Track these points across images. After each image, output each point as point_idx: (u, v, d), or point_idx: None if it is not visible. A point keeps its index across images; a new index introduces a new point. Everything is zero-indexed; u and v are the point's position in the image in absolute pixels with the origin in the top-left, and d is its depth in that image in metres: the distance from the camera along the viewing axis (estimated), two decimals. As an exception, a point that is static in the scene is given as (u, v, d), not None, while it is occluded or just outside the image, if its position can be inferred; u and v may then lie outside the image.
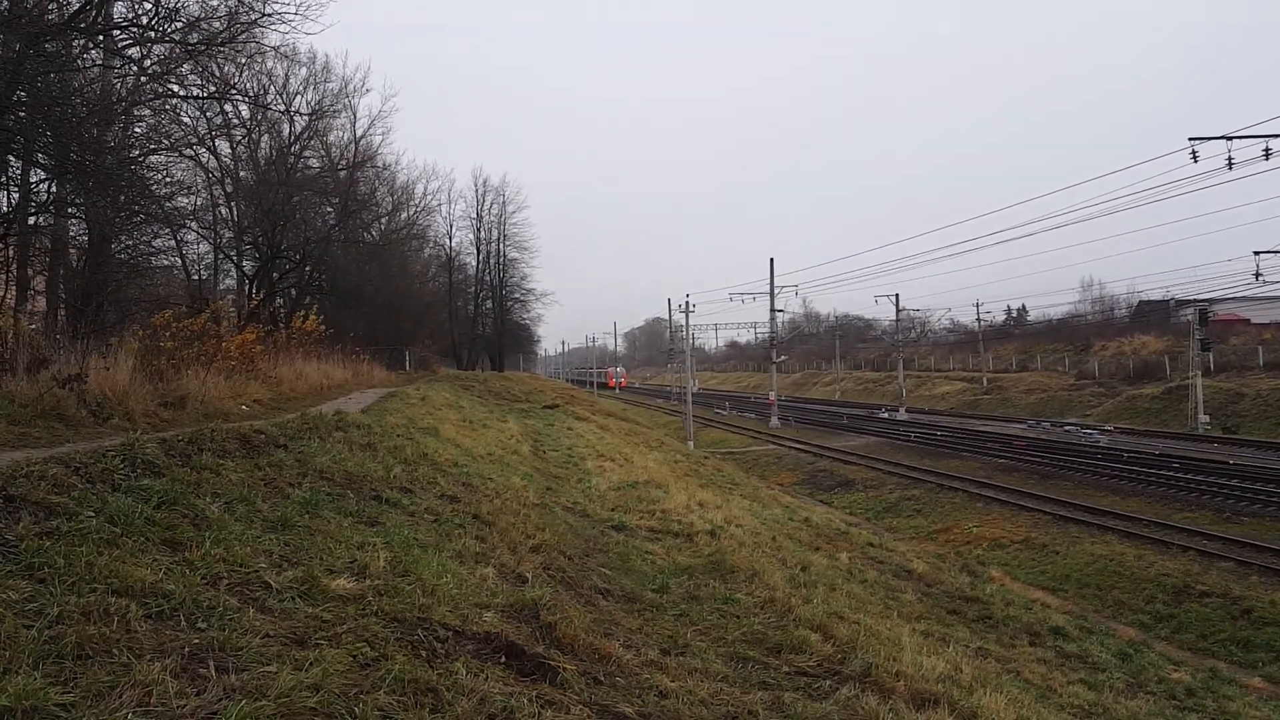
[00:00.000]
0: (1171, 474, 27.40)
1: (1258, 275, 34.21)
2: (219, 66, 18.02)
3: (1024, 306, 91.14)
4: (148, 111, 16.38)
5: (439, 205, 60.77)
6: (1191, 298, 46.59)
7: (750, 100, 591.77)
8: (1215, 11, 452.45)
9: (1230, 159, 24.60)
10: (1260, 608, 16.17)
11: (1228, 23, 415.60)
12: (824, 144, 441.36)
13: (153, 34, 14.12)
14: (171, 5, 13.61)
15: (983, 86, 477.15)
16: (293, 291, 33.92)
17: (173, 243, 24.00)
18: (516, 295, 65.66)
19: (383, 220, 46.73)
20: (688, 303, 52.28)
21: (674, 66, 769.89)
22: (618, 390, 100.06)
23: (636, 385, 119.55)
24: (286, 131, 33.15)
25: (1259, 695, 12.64)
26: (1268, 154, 24.24)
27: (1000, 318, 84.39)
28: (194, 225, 24.78)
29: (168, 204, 17.29)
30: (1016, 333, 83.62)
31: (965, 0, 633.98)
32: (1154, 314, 65.48)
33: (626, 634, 5.92)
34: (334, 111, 36.30)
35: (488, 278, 64.37)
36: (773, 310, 57.01)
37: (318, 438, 9.23)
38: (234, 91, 20.43)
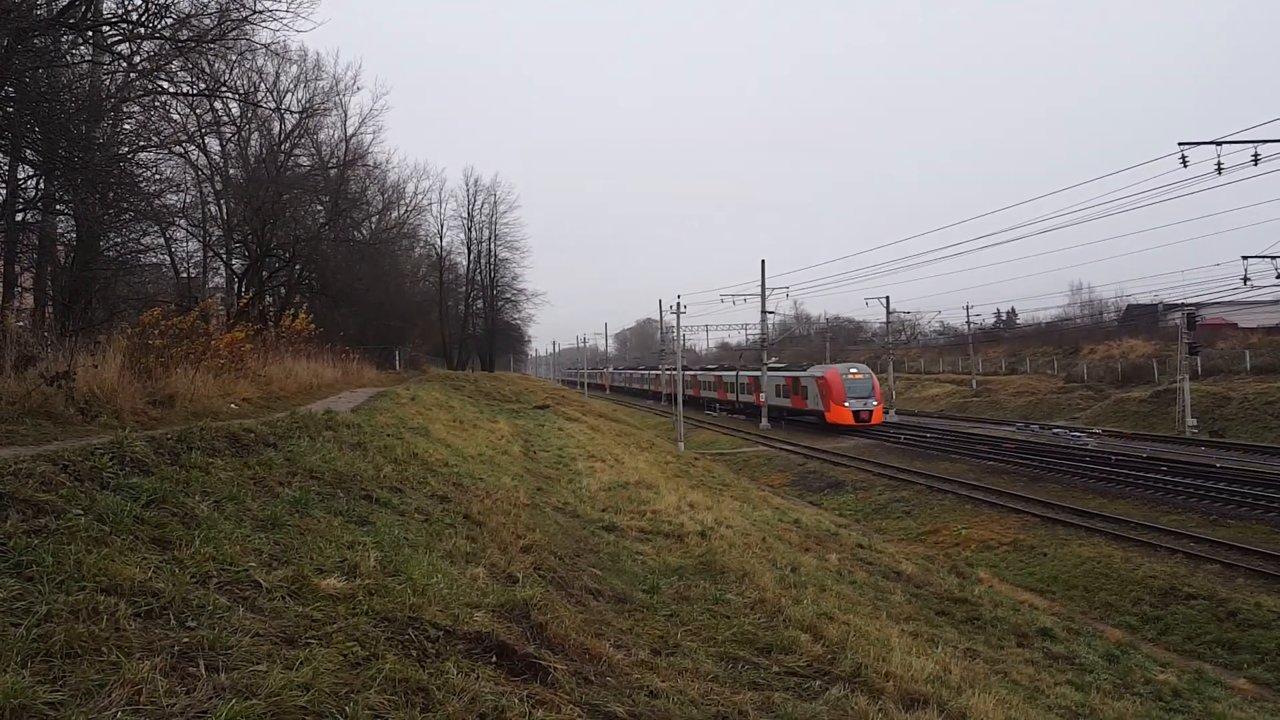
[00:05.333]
0: (1159, 477, 27.50)
1: (1246, 280, 34.16)
2: (209, 63, 17.91)
3: (1013, 310, 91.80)
4: (137, 108, 16.34)
5: (430, 205, 60.90)
6: (1179, 302, 46.71)
7: (744, 105, 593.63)
8: (1207, 18, 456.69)
9: (1220, 164, 24.57)
10: (1246, 610, 16.27)
11: (1220, 28, 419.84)
12: (819, 147, 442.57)
13: (143, 30, 14.08)
14: (162, 2, 13.57)
15: (976, 91, 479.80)
16: (282, 290, 33.78)
17: (161, 240, 23.88)
18: (507, 295, 65.83)
19: (373, 219, 46.68)
20: (679, 304, 52.11)
21: (669, 71, 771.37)
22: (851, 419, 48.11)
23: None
24: (277, 129, 33.03)
25: (1244, 696, 12.75)
26: (1257, 159, 24.28)
27: (990, 321, 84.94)
28: (183, 223, 24.75)
29: (157, 201, 17.24)
30: (1006, 336, 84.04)
31: (958, 6, 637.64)
32: (1142, 318, 65.87)
33: (617, 634, 5.92)
34: (325, 110, 36.27)
35: (479, 277, 64.44)
36: (764, 311, 56.97)
37: (307, 437, 9.20)
38: (224, 89, 20.31)
